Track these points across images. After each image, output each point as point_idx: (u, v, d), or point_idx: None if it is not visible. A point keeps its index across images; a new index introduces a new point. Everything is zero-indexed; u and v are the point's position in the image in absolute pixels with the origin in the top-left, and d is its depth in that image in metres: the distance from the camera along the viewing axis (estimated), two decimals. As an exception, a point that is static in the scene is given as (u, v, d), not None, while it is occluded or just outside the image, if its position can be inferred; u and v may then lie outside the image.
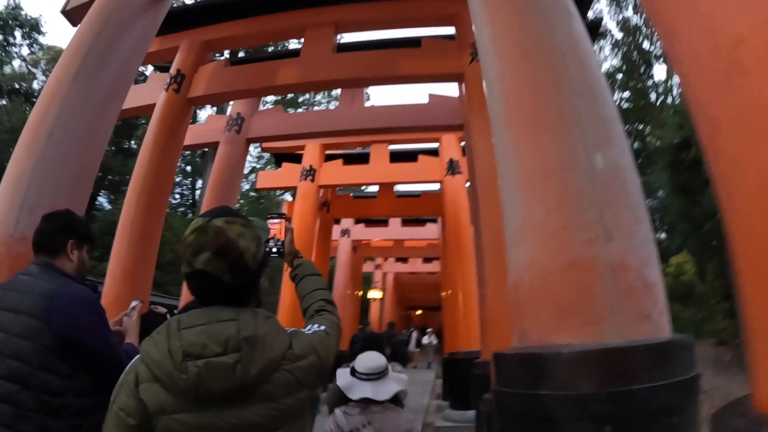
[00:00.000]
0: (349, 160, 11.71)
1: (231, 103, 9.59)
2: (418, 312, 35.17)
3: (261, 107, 9.37)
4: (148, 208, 6.37)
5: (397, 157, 11.21)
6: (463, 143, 10.61)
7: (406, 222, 15.02)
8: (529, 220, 2.36)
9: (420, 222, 15.01)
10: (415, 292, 29.14)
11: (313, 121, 8.60)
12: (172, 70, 7.23)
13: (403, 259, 21.87)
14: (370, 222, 15.33)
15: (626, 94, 25.63)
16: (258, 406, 1.12)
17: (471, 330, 8.27)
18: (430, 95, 8.17)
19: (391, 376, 2.56)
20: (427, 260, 21.29)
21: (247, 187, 29.04)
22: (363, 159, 11.45)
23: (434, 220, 14.68)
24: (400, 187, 13.07)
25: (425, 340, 18.08)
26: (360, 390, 2.42)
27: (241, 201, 28.45)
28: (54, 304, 1.63)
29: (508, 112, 2.65)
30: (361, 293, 19.01)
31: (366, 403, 2.39)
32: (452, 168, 10.17)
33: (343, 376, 2.54)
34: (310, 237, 10.44)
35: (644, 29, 24.53)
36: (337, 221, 14.86)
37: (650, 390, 1.85)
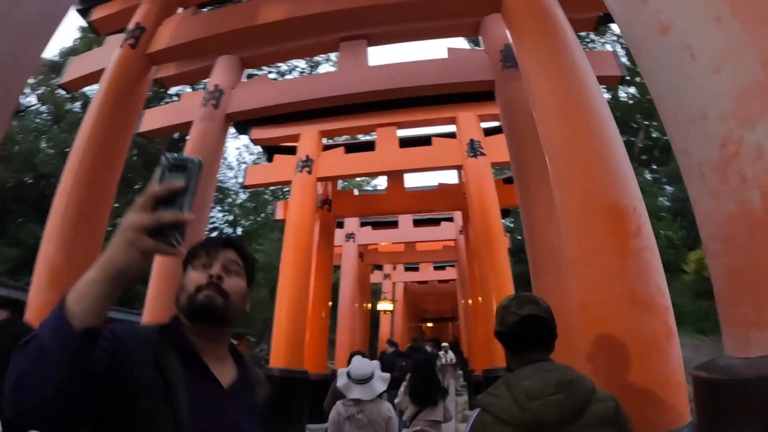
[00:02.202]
0: (352, 148, 10.16)
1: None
2: (429, 324, 33.32)
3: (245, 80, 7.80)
4: (88, 194, 4.80)
5: (407, 142, 9.67)
6: (483, 123, 9.16)
7: (419, 222, 13.34)
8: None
9: (434, 222, 13.34)
10: (427, 303, 27.39)
11: (308, 88, 7.01)
12: (130, 24, 5.72)
13: (414, 268, 20.23)
14: (377, 224, 13.70)
15: (632, 89, 24.66)
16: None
17: None
18: (450, 49, 6.62)
19: (377, 378, 3.69)
20: (439, 267, 19.67)
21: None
22: (368, 147, 9.87)
23: (450, 219, 13.05)
24: (411, 183, 11.48)
25: (442, 358, 14.80)
26: (354, 391, 3.60)
27: (233, 200, 26.79)
28: None
29: None
30: (370, 306, 17.29)
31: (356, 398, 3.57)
32: (473, 149, 8.59)
33: (341, 377, 3.70)
34: (308, 239, 8.83)
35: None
36: (341, 225, 13.26)
37: None
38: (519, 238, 21.57)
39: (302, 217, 8.90)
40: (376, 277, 19.65)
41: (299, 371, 7.85)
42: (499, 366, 6.69)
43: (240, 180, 27.99)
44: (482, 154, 8.53)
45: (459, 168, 9.08)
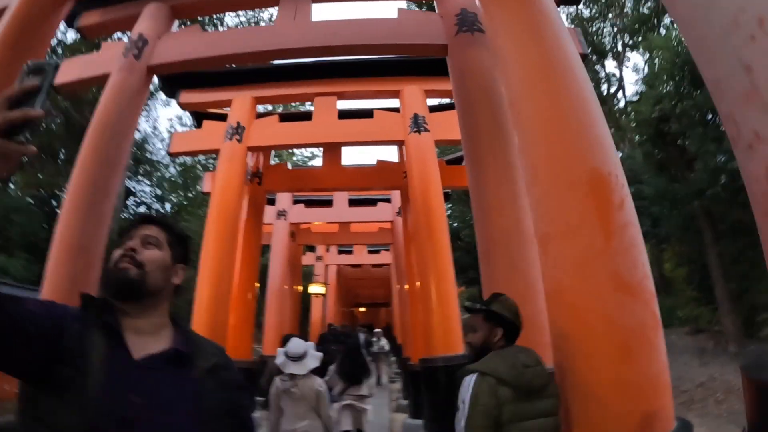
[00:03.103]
0: (288, 118, 9.39)
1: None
2: (362, 309, 32.95)
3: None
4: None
5: (347, 115, 9.03)
6: (429, 100, 8.66)
7: (354, 202, 12.70)
8: None
9: (370, 202, 12.75)
10: (361, 288, 26.94)
11: (242, 41, 6.18)
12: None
13: (348, 251, 19.65)
14: (311, 202, 12.94)
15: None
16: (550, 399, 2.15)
17: (450, 330, 6.40)
18: (400, 10, 6.02)
19: (309, 356, 4.21)
20: (373, 251, 19.20)
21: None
22: (304, 118, 9.15)
23: (387, 200, 12.52)
24: (349, 161, 10.81)
25: (375, 345, 14.13)
26: (289, 367, 4.12)
27: (162, 174, 25.17)
28: None
29: None
30: (301, 288, 16.54)
31: (291, 373, 4.09)
32: (417, 125, 8.07)
33: (279, 356, 4.26)
34: (235, 213, 8.05)
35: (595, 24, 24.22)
36: (272, 201, 12.42)
37: None
38: (455, 225, 21.50)
39: (229, 189, 8.09)
40: (308, 259, 18.91)
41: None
42: (438, 355, 6.28)
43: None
44: (426, 130, 8.03)
45: (401, 144, 8.55)
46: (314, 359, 4.27)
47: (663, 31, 18.75)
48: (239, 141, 8.46)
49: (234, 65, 8.80)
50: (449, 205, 20.63)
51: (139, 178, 24.20)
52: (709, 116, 11.34)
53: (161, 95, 20.74)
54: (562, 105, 2.73)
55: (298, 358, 4.16)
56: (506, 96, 3.16)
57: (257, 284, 9.92)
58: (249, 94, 8.87)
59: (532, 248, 3.93)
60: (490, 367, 2.04)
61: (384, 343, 14.28)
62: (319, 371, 4.53)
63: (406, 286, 10.78)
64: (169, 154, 10.27)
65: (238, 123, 8.57)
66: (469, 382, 2.05)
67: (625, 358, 2.20)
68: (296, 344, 4.29)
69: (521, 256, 3.79)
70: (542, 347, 3.68)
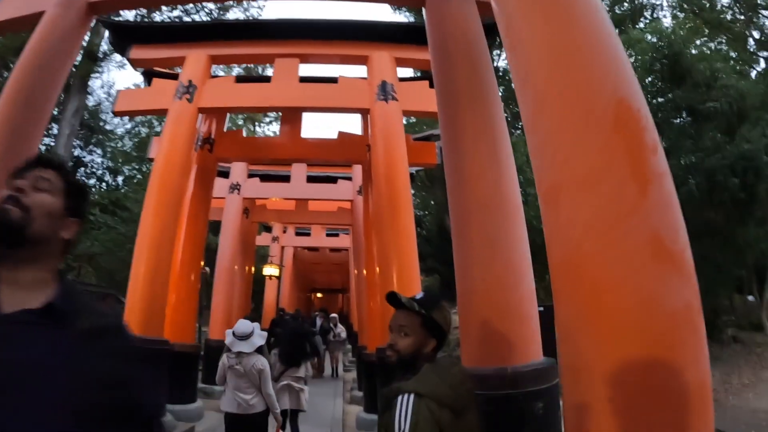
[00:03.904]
0: (245, 80, 8.58)
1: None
2: (319, 295, 32.20)
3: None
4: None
5: (309, 80, 8.30)
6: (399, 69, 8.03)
7: (313, 179, 11.92)
8: None
9: (330, 179, 12.00)
10: (318, 272, 26.19)
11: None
12: None
13: (305, 233, 18.83)
14: (267, 177, 12.10)
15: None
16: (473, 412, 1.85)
17: None
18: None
19: (255, 335, 4.58)
20: (332, 234, 18.47)
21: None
22: (263, 79, 8.36)
23: (348, 178, 11.81)
24: (309, 134, 10.01)
25: (332, 332, 13.25)
26: (236, 346, 4.48)
27: (116, 145, 23.81)
28: None
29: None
30: (253, 270, 15.66)
31: (240, 352, 4.48)
32: (385, 92, 7.42)
33: (228, 336, 4.61)
34: (180, 181, 7.23)
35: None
36: (225, 174, 11.55)
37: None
38: (417, 213, 21.00)
39: (175, 153, 7.27)
40: (264, 239, 18.05)
41: (158, 341, 6.32)
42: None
43: (126, 125, 24.85)
44: (395, 99, 7.39)
45: (366, 113, 7.86)
46: (260, 338, 4.66)
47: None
48: (189, 101, 7.65)
49: (189, 18, 7.95)
50: (412, 192, 20.07)
51: (91, 148, 22.73)
52: (685, 112, 11.11)
53: (116, 57, 19.40)
54: (574, 17, 2.13)
55: (245, 337, 4.54)
56: (499, 12, 2.50)
57: (202, 263, 9.09)
58: (204, 52, 8.09)
59: (515, 223, 3.39)
60: (429, 389, 1.73)
61: (340, 330, 13.47)
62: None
63: (364, 271, 10.13)
64: (114, 113, 9.30)
65: (190, 81, 7.76)
66: (404, 403, 1.71)
67: (667, 353, 1.62)
68: (243, 324, 4.68)
69: (502, 231, 3.22)
70: (527, 343, 3.11)
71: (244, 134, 11.60)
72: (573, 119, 2.00)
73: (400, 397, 1.72)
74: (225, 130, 9.91)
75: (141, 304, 6.35)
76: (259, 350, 4.65)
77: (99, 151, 23.50)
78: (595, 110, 1.95)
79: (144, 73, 9.25)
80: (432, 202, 22.61)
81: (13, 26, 6.12)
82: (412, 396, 1.70)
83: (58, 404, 0.89)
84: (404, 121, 9.04)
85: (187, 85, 7.69)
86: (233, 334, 4.58)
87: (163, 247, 6.74)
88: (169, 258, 6.91)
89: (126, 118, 24.08)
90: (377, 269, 7.11)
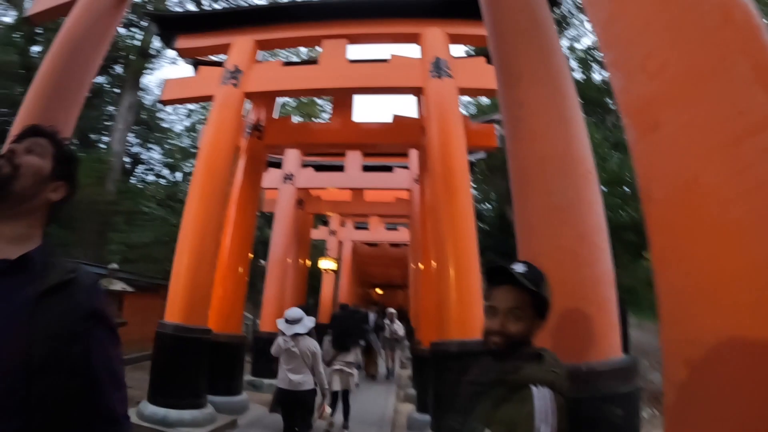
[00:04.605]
0: (292, 64, 8.25)
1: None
2: (379, 291, 31.90)
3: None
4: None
5: (359, 61, 7.85)
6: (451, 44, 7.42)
7: (369, 168, 11.45)
8: None
9: (386, 168, 11.49)
10: (377, 267, 25.82)
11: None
12: None
13: (364, 227, 18.43)
14: (321, 167, 11.78)
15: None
16: None
17: (469, 310, 5.34)
18: None
19: (305, 320, 4.99)
20: (391, 228, 17.99)
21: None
22: (311, 61, 7.99)
23: (405, 167, 11.27)
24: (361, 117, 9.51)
25: (387, 329, 12.64)
26: (291, 329, 4.89)
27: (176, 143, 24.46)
28: None
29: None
30: (309, 263, 15.42)
31: (294, 334, 4.88)
32: (438, 69, 6.89)
33: (280, 323, 5.03)
34: (225, 168, 7.00)
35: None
36: (277, 164, 11.32)
37: None
38: (477, 206, 20.15)
39: (220, 139, 7.07)
40: (321, 233, 17.85)
41: (198, 329, 6.10)
42: (452, 339, 5.14)
43: (184, 122, 25.56)
44: (449, 75, 6.81)
45: (419, 92, 7.30)
46: (310, 321, 5.08)
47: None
48: (235, 86, 7.43)
49: (234, 5, 7.71)
50: (472, 184, 19.29)
51: (149, 146, 23.47)
52: None
53: (168, 53, 19.89)
54: None
55: (296, 321, 4.97)
56: None
57: (253, 256, 8.85)
58: (249, 38, 7.90)
59: (587, 187, 2.77)
60: (560, 381, 1.46)
61: (398, 327, 12.87)
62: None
63: (420, 265, 9.56)
64: (162, 102, 9.26)
65: (236, 67, 7.55)
66: (542, 398, 1.40)
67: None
68: (293, 311, 5.17)
69: (573, 193, 2.60)
70: (605, 334, 2.37)
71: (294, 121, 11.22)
72: (668, 10, 1.39)
73: (535, 389, 1.41)
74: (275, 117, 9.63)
75: (184, 292, 6.16)
76: (310, 335, 5.05)
77: (157, 148, 24.11)
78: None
79: (191, 63, 9.13)
80: (492, 194, 21.64)
81: (51, 15, 6.06)
82: (545, 390, 1.41)
83: (8, 353, 0.93)
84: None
85: (233, 71, 7.48)
86: (285, 320, 5.02)
87: (208, 235, 6.51)
88: (214, 247, 6.69)
89: (184, 116, 24.77)
90: (433, 262, 6.56)
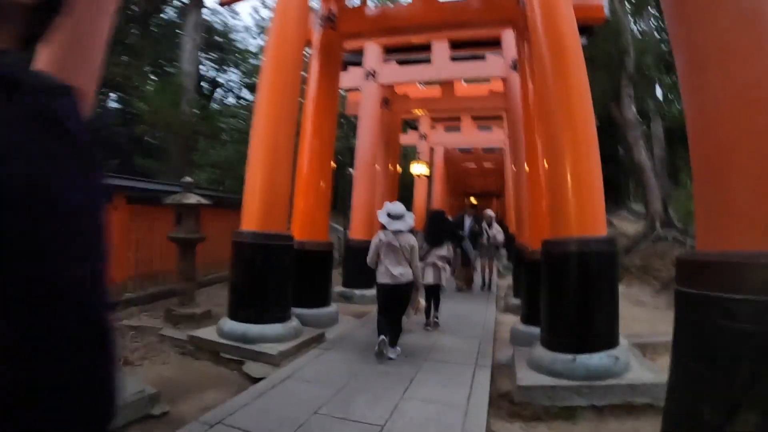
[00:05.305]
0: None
1: None
2: (473, 200, 30.82)
3: None
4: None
5: None
6: None
7: (457, 59, 10.10)
8: None
9: (477, 57, 10.10)
10: (470, 175, 24.71)
11: None
12: None
13: (455, 128, 17.12)
14: (405, 61, 10.62)
15: None
16: None
17: (590, 203, 4.46)
18: None
19: (406, 217, 5.20)
20: (484, 128, 16.55)
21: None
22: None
23: (498, 47, 9.76)
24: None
25: (485, 233, 11.13)
26: (393, 225, 5.11)
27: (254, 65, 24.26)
28: None
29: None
30: (400, 169, 14.62)
31: (398, 230, 5.10)
32: None
33: (382, 216, 5.22)
34: (298, 56, 6.18)
35: None
36: (358, 63, 10.33)
37: None
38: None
39: (287, 26, 6.19)
40: (411, 138, 16.91)
41: (278, 235, 5.58)
42: (570, 236, 4.23)
43: (259, 41, 25.22)
44: None
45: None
46: (411, 218, 5.32)
47: None
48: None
49: None
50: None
51: (226, 68, 23.54)
52: None
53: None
54: None
55: (399, 216, 5.18)
56: None
57: (337, 164, 8.18)
58: None
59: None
60: None
61: (496, 230, 11.27)
62: None
63: (526, 166, 8.36)
64: (220, 3, 8.56)
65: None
66: None
67: None
68: (396, 206, 5.30)
69: None
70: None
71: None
72: None
73: None
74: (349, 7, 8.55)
75: (260, 196, 5.60)
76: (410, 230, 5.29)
77: (236, 71, 23.97)
78: None
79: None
80: (592, 90, 19.18)
81: None
82: None
83: None
84: None
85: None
86: (388, 214, 5.19)
87: (281, 132, 5.84)
88: (288, 144, 6.00)
89: (257, 34, 24.28)
90: (544, 163, 5.48)
